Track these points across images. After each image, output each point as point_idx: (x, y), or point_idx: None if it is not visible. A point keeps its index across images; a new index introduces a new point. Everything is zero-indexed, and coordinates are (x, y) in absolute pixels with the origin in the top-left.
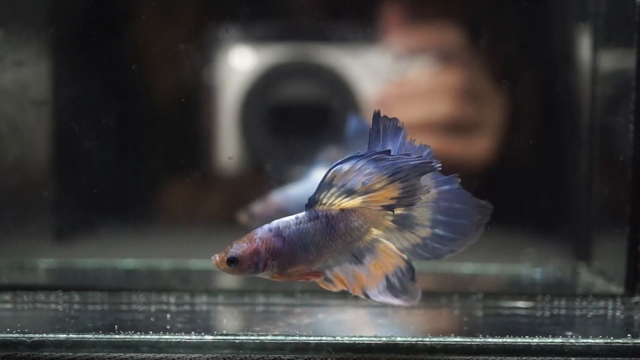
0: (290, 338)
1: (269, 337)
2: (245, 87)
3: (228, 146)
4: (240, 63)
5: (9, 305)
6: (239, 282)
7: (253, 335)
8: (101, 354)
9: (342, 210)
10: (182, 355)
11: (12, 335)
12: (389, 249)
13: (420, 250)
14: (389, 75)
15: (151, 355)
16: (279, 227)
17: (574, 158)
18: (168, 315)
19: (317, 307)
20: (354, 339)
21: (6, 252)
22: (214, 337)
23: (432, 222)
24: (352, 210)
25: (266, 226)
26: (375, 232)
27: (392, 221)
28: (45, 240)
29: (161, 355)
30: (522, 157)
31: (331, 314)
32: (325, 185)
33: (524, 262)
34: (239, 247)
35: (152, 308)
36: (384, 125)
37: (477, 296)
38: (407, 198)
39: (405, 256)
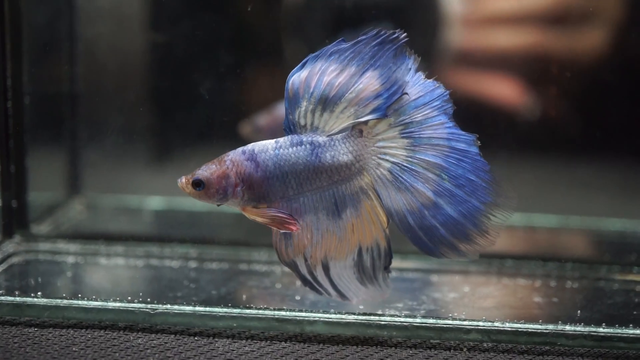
0: (443, 322)
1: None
2: None
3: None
4: None
5: (121, 261)
6: None
7: (400, 317)
8: (230, 329)
9: (331, 138)
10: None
11: (134, 305)
12: (375, 211)
13: (412, 220)
14: None
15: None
16: (253, 150)
17: None
18: (297, 282)
19: (455, 273)
20: (516, 326)
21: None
22: (356, 317)
23: (435, 187)
24: (343, 141)
25: (240, 148)
26: (367, 178)
27: (390, 170)
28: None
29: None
30: None
31: (475, 284)
32: (292, 101)
33: None
34: (207, 169)
35: (277, 269)
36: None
37: None
38: (392, 87)
39: (388, 232)
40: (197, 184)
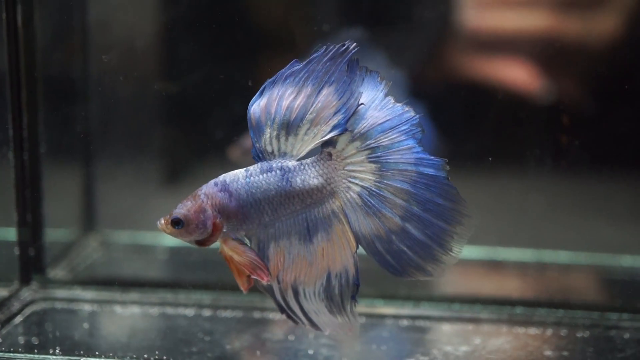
0: None
1: None
2: None
3: None
4: None
5: (136, 309)
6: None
7: None
8: None
9: (300, 163)
10: None
11: None
12: (346, 235)
13: (380, 246)
14: None
15: None
16: (225, 181)
17: None
18: (310, 335)
19: (466, 321)
20: None
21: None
22: None
23: (403, 212)
24: (312, 165)
25: (212, 181)
26: (338, 202)
27: (359, 194)
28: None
29: None
30: None
31: (486, 335)
32: (255, 130)
33: None
34: (183, 206)
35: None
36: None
37: None
38: (349, 100)
39: (357, 259)
40: (177, 222)
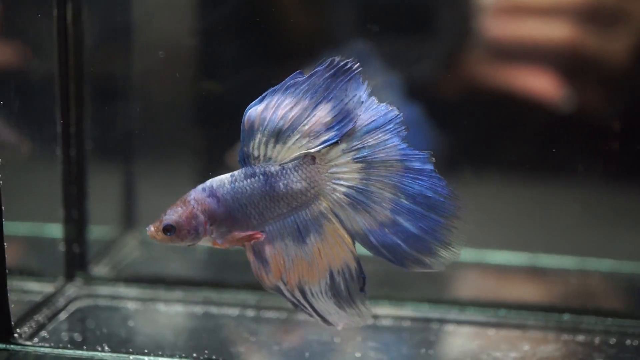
0: None
1: None
2: None
3: None
4: None
5: (180, 308)
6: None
7: None
8: None
9: (283, 167)
10: None
11: None
12: (339, 233)
13: (374, 239)
14: None
15: None
16: (212, 186)
17: None
18: (357, 339)
19: (513, 327)
20: None
21: None
22: None
23: (393, 205)
24: (295, 169)
25: (199, 186)
26: (325, 203)
27: (345, 193)
28: None
29: None
30: None
31: (534, 342)
32: (247, 133)
33: None
34: (174, 212)
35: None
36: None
37: None
38: (344, 119)
39: (356, 252)
40: (168, 229)
